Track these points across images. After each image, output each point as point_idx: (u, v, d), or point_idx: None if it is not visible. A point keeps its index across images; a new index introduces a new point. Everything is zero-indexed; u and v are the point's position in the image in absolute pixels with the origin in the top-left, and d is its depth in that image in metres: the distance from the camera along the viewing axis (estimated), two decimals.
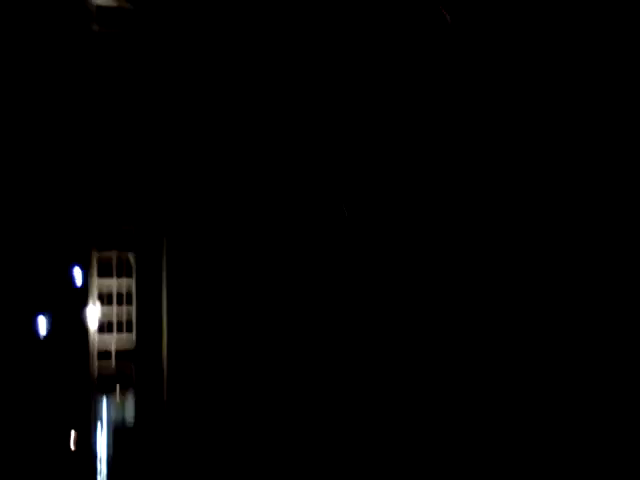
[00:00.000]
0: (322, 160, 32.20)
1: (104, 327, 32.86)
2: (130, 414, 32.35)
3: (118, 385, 32.67)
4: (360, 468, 30.28)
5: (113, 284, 33.03)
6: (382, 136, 32.00)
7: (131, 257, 32.93)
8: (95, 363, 32.62)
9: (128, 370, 32.61)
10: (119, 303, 32.93)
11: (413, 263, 31.24)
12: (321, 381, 31.22)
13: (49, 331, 31.47)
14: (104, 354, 32.78)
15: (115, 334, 32.88)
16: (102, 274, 32.94)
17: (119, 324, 32.85)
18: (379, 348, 31.07)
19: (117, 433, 32.35)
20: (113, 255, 33.08)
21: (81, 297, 32.48)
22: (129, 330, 32.79)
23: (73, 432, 31.64)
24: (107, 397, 32.52)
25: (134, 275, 32.69)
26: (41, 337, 31.32)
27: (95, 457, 32.18)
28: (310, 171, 32.29)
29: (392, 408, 30.59)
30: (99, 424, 32.35)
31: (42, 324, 31.20)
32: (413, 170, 31.76)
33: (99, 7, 34.19)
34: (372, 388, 30.90)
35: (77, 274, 32.24)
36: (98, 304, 32.85)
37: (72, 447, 31.64)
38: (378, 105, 32.26)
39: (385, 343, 31.03)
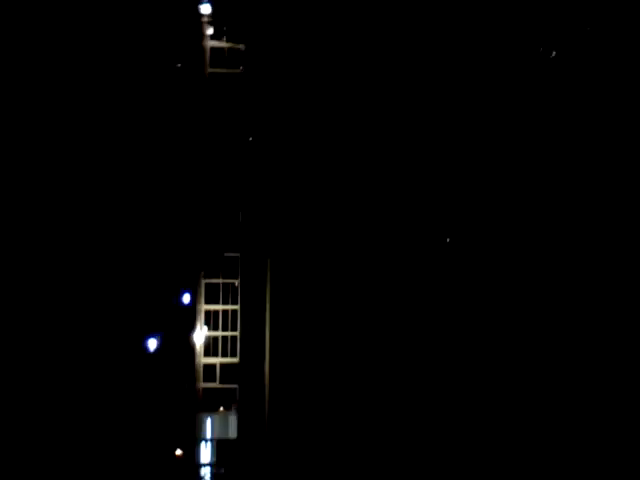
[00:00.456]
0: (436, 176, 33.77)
1: (210, 349, 34.87)
2: (234, 430, 34.23)
3: (222, 404, 34.61)
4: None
5: (219, 309, 35.05)
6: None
7: (236, 283, 34.92)
8: (201, 383, 34.61)
9: (232, 390, 34.54)
10: (224, 327, 34.91)
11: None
12: (426, 392, 32.68)
13: (159, 352, 33.41)
14: (210, 375, 34.77)
15: (220, 356, 34.85)
16: (209, 300, 35.01)
17: (224, 347, 34.80)
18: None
19: (221, 447, 34.29)
20: (219, 281, 35.12)
21: (189, 321, 34.51)
22: (233, 352, 34.74)
23: (179, 449, 33.49)
24: (212, 414, 34.50)
25: (239, 300, 34.69)
26: (151, 357, 33.24)
27: (200, 470, 34.11)
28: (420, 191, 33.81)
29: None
30: (204, 440, 34.30)
31: (153, 345, 33.20)
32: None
33: (212, 49, 36.28)
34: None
35: (186, 299, 34.27)
36: (205, 328, 34.89)
37: (178, 462, 33.45)
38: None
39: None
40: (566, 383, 32.20)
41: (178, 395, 33.62)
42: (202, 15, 36.56)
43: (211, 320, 34.92)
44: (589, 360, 32.16)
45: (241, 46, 36.59)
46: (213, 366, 34.77)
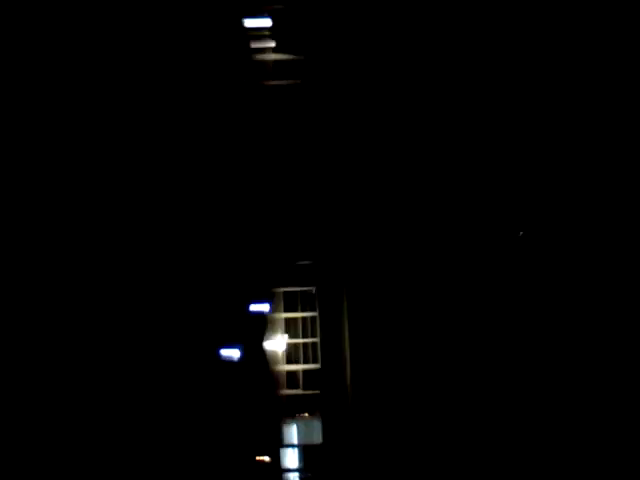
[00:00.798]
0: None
1: (292, 357, 35.56)
2: (318, 435, 34.88)
3: (306, 409, 35.27)
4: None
5: (298, 317, 35.74)
6: None
7: (313, 291, 35.60)
8: (284, 390, 35.30)
9: (315, 395, 35.19)
10: (304, 335, 35.59)
11: None
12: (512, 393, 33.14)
13: (243, 361, 34.07)
14: (292, 382, 35.45)
15: (302, 363, 35.54)
16: (288, 309, 35.71)
17: (305, 354, 35.47)
18: None
19: (307, 452, 34.97)
20: (297, 289, 35.82)
21: (270, 329, 35.19)
22: (315, 359, 35.40)
23: (267, 456, 34.16)
24: (297, 420, 35.18)
25: (317, 308, 35.36)
26: (236, 366, 33.92)
27: (287, 476, 34.80)
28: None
29: None
30: (290, 445, 34.99)
31: (237, 355, 33.85)
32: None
33: (275, 62, 36.96)
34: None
35: (265, 308, 34.93)
36: (285, 336, 35.58)
37: (265, 468, 34.13)
38: None
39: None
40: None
41: (263, 403, 34.26)
42: (261, 29, 37.13)
43: (291, 328, 35.62)
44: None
45: (300, 57, 37.13)
46: (295, 373, 35.43)
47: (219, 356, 33.67)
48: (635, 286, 33.00)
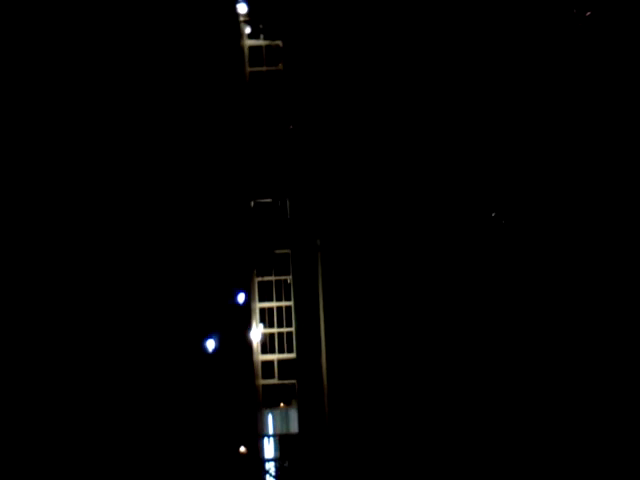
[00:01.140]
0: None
1: (267, 347, 35.35)
2: (294, 424, 34.74)
3: (283, 399, 35.10)
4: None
5: (273, 306, 35.49)
6: None
7: (288, 280, 35.33)
8: (260, 380, 35.11)
9: (290, 385, 35.00)
10: (280, 325, 35.35)
11: None
12: (486, 379, 32.90)
13: (218, 352, 33.92)
14: (268, 372, 35.26)
15: (277, 353, 35.32)
16: (263, 297, 35.47)
17: (280, 343, 35.25)
18: None
19: (283, 442, 34.83)
20: (272, 279, 35.56)
21: (245, 319, 35.00)
22: (290, 348, 35.18)
23: (243, 446, 34.04)
24: (273, 410, 35.04)
25: (292, 297, 35.12)
26: (211, 357, 33.78)
27: (263, 465, 34.67)
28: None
29: None
30: (267, 435, 34.86)
31: (211, 345, 33.72)
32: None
33: (251, 47, 36.63)
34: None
35: (241, 299, 34.74)
36: (260, 326, 35.36)
37: (242, 458, 34.02)
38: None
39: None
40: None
41: (239, 393, 34.11)
42: (239, 15, 36.80)
43: (266, 317, 35.39)
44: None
45: (279, 43, 36.78)
46: (271, 363, 35.24)
47: (194, 346, 33.55)
48: (615, 272, 32.62)
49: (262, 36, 37.02)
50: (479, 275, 33.70)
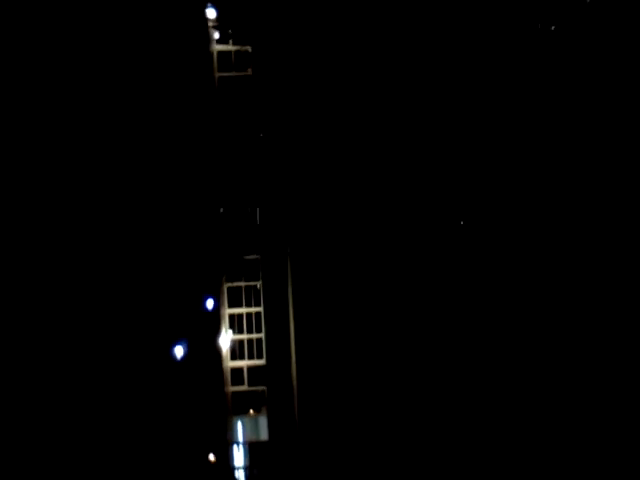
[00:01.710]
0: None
1: (236, 353, 35.06)
2: (264, 431, 34.48)
3: (252, 406, 34.82)
4: None
5: (243, 312, 35.23)
6: None
7: (258, 285, 35.10)
8: (229, 386, 34.82)
9: (260, 392, 34.73)
10: (249, 330, 35.08)
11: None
12: (455, 386, 32.80)
13: (186, 358, 33.62)
14: (237, 379, 34.96)
15: (246, 359, 35.05)
16: (232, 303, 35.20)
17: (250, 349, 34.98)
18: None
19: (253, 449, 34.55)
20: (241, 284, 35.31)
21: (214, 326, 34.72)
22: (259, 354, 34.91)
23: (212, 454, 33.74)
24: (242, 418, 34.73)
25: (262, 302, 34.87)
26: (179, 364, 33.47)
27: (233, 472, 34.38)
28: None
29: None
30: (236, 443, 34.56)
31: (180, 352, 33.41)
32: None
33: (220, 52, 36.45)
34: None
35: (210, 304, 34.47)
36: (230, 332, 35.07)
37: (211, 466, 33.72)
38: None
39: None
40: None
41: (207, 400, 33.80)
42: (208, 20, 36.63)
43: (235, 323, 35.12)
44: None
45: (248, 48, 36.66)
46: (240, 369, 34.95)
47: (162, 353, 33.25)
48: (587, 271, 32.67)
49: (231, 41, 36.82)
50: (451, 282, 33.61)
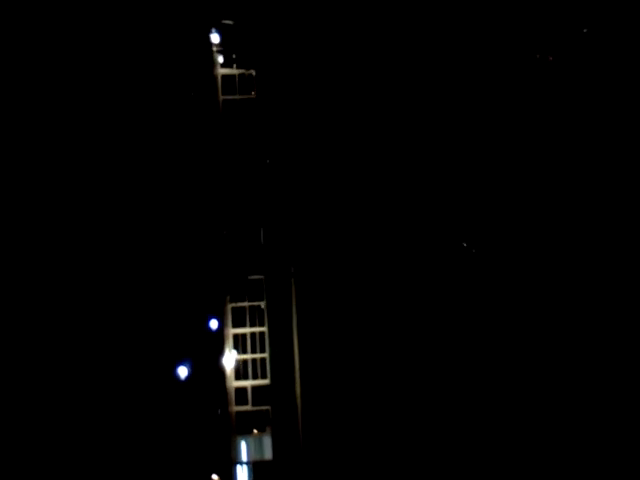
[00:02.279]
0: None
1: (240, 373, 35.11)
2: (269, 451, 34.47)
3: (256, 426, 34.82)
4: None
5: (247, 332, 35.32)
6: None
7: (262, 305, 35.21)
8: (233, 406, 34.84)
9: (264, 411, 34.74)
10: (253, 350, 35.15)
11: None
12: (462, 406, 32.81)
13: (191, 378, 33.67)
14: (242, 398, 34.99)
15: (251, 379, 35.09)
16: (236, 323, 35.30)
17: (254, 369, 35.03)
18: None
19: (257, 469, 34.54)
20: (245, 305, 35.41)
21: (218, 346, 34.80)
22: (264, 374, 34.96)
23: (216, 474, 33.73)
24: (246, 437, 34.72)
25: (266, 322, 34.97)
26: (184, 384, 33.52)
27: None
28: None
29: None
30: (240, 463, 34.54)
31: (184, 372, 33.47)
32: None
33: (224, 76, 36.81)
34: None
35: (214, 325, 34.58)
36: (234, 352, 35.15)
37: None
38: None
39: None
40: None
41: (212, 420, 33.84)
42: (212, 44, 37.03)
43: (240, 343, 35.21)
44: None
45: (252, 72, 37.00)
46: (245, 389, 35.00)
47: (167, 373, 33.31)
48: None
49: (235, 65, 37.19)
50: (453, 301, 33.71)
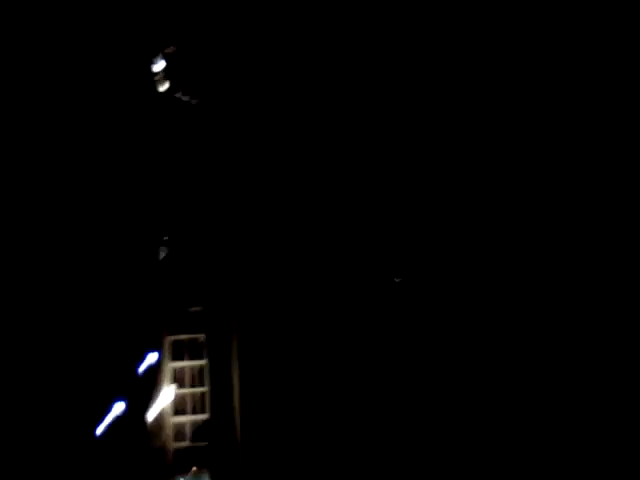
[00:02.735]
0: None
1: (179, 408, 34.04)
2: None
3: (195, 463, 33.71)
4: None
5: (186, 366, 34.29)
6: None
7: (202, 338, 34.24)
8: (172, 443, 33.72)
9: (203, 448, 33.64)
10: (193, 384, 34.11)
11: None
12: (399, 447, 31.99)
13: (126, 414, 32.67)
14: (180, 434, 33.89)
15: (190, 414, 34.01)
16: (175, 357, 34.25)
17: (193, 404, 33.98)
18: None
19: None
20: (185, 337, 34.42)
21: (156, 380, 33.76)
22: (203, 410, 33.89)
23: None
24: (184, 475, 33.57)
25: (205, 356, 33.96)
26: (119, 420, 32.52)
27: None
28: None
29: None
30: None
31: (120, 408, 32.44)
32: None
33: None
34: None
35: (152, 358, 33.56)
36: (172, 386, 34.08)
37: None
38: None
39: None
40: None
41: (149, 457, 32.77)
42: (156, 73, 36.40)
43: (178, 377, 34.19)
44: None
45: (196, 100, 36.40)
46: (183, 424, 33.92)
47: (101, 409, 32.34)
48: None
49: (181, 93, 36.60)
50: (396, 340, 32.95)
